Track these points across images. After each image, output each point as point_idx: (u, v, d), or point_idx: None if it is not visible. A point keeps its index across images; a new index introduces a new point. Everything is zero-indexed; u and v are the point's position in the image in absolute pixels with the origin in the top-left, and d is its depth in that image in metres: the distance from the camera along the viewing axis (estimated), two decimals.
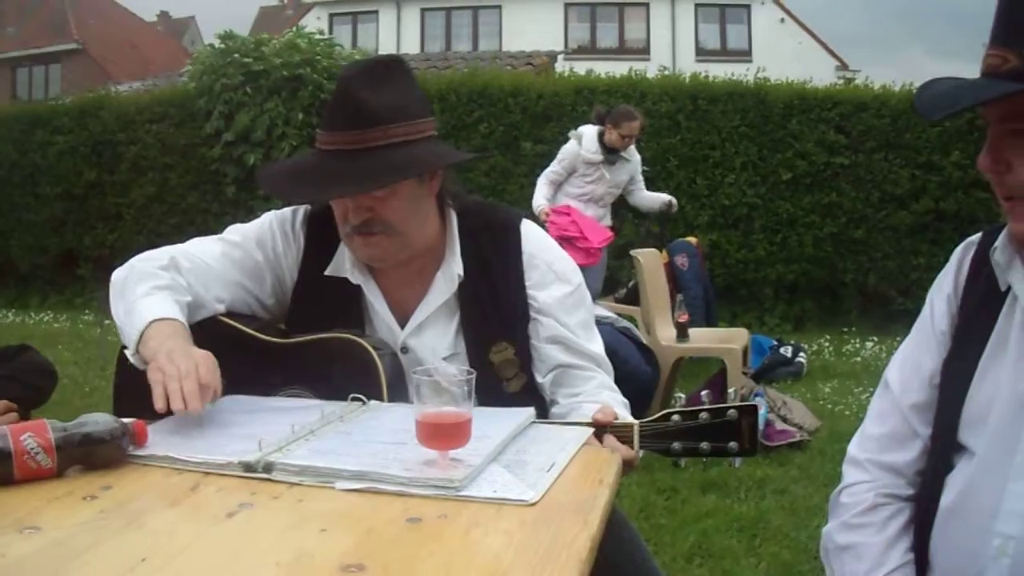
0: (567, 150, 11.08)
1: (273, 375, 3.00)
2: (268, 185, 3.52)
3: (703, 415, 2.63)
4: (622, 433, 2.66)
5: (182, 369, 2.52)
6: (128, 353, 2.83)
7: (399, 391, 2.90)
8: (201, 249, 3.16)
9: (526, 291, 3.08)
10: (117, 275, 3.06)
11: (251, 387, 2.91)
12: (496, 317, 3.07)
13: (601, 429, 2.64)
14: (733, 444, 2.61)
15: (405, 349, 3.08)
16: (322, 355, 2.97)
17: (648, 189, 11.96)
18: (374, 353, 2.89)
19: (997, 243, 2.34)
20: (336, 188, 2.89)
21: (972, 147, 13.63)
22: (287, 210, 3.27)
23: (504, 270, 3.09)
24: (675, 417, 2.65)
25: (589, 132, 10.95)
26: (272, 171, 3.81)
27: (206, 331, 3.02)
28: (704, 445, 2.63)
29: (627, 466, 2.59)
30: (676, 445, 2.64)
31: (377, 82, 2.90)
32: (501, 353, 3.03)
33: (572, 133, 11.16)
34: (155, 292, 2.90)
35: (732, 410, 2.61)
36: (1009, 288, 2.34)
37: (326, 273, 3.11)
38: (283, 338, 3.09)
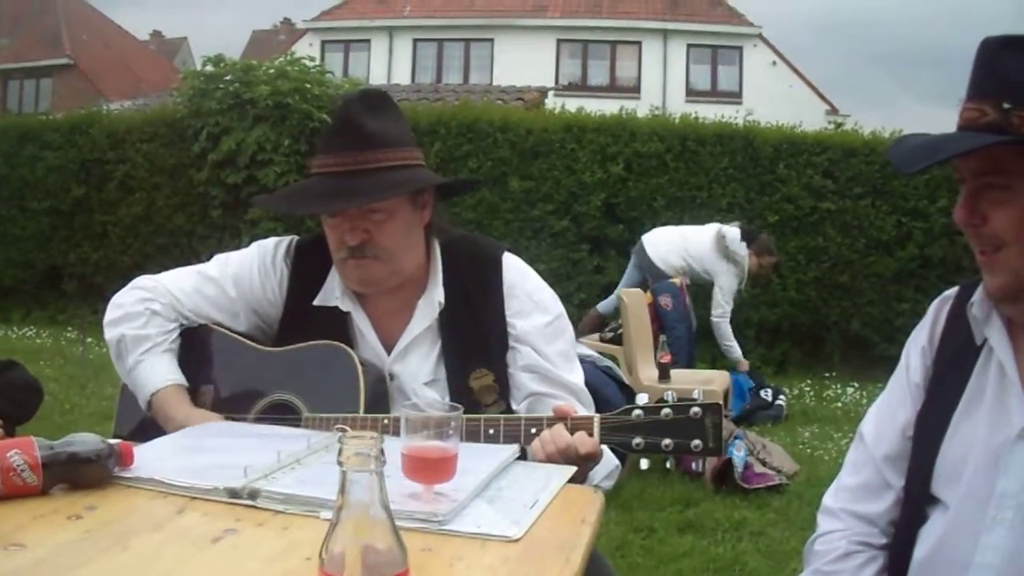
0: (734, 278, 11.41)
1: (261, 380, 3.09)
2: (268, 206, 3.68)
3: (665, 411, 2.64)
4: (583, 426, 2.70)
5: None
6: (142, 406, 3.16)
7: (381, 407, 2.99)
8: (176, 285, 3.29)
9: (506, 319, 3.12)
10: (109, 336, 3.26)
11: (240, 391, 3.10)
12: (477, 344, 3.11)
13: (573, 424, 2.70)
14: (697, 442, 2.63)
15: (392, 376, 3.12)
16: (308, 361, 3.07)
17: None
18: (356, 359, 2.99)
19: (974, 298, 2.36)
20: (339, 202, 2.96)
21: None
22: (271, 241, 3.36)
23: (485, 299, 3.14)
24: (637, 412, 2.67)
25: (745, 256, 11.32)
26: (270, 195, 3.93)
27: (199, 338, 3.21)
28: (667, 442, 2.64)
29: (589, 459, 2.65)
30: (638, 441, 2.66)
31: (374, 110, 3.01)
32: (481, 379, 3.07)
33: (731, 254, 11.40)
34: (145, 357, 3.15)
35: (696, 408, 2.63)
36: (984, 342, 2.36)
37: (315, 303, 3.17)
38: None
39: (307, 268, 3.23)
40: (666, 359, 8.78)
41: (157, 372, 3.12)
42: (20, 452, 2.06)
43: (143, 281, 3.30)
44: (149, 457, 2.31)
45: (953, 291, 2.54)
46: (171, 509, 2.07)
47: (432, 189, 3.16)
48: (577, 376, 3.15)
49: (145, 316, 3.18)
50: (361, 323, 3.17)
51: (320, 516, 1.99)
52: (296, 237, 3.35)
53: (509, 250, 3.28)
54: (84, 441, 2.16)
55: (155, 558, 1.81)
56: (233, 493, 2.11)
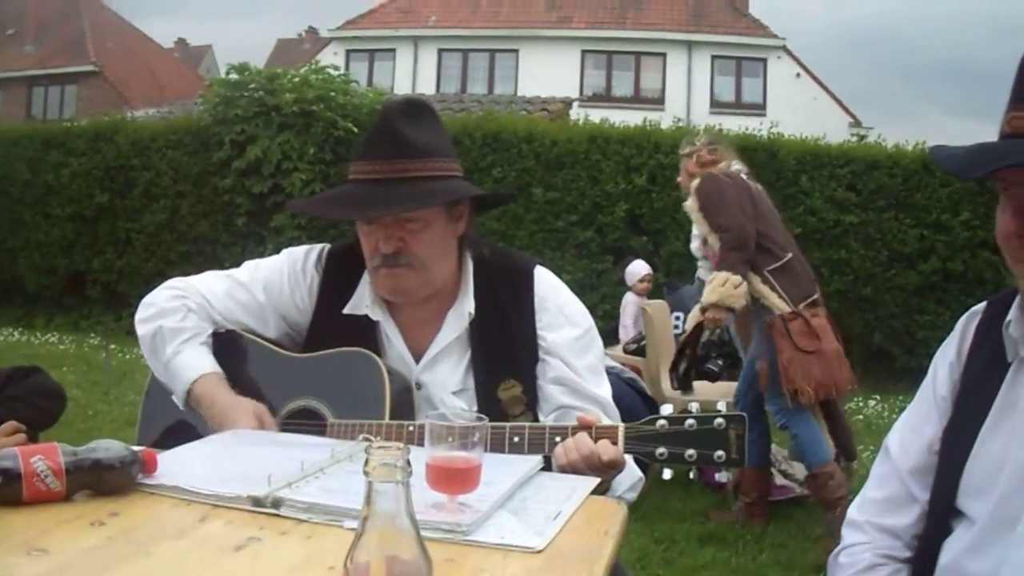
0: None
1: (288, 386, 3.11)
2: (304, 211, 3.72)
3: (689, 422, 2.66)
4: (607, 435, 2.71)
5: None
6: (176, 400, 3.14)
7: (407, 415, 2.99)
8: (207, 288, 3.31)
9: (536, 332, 3.12)
10: (143, 331, 3.26)
11: (266, 396, 3.09)
12: (506, 355, 3.11)
13: (597, 433, 2.72)
14: (720, 453, 2.64)
15: (419, 385, 3.13)
16: (335, 368, 3.09)
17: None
18: (382, 366, 3.00)
19: (1011, 316, 2.33)
20: (376, 209, 2.96)
21: (982, 208, 13.68)
22: (301, 249, 3.36)
23: (516, 311, 3.14)
24: (661, 422, 2.69)
25: None
26: (308, 200, 3.96)
27: (227, 343, 3.23)
28: (690, 453, 2.66)
29: (612, 467, 2.67)
30: (661, 451, 2.68)
31: (416, 119, 3.01)
32: (509, 391, 3.07)
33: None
34: (183, 347, 3.15)
35: (720, 419, 2.65)
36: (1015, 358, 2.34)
37: (345, 311, 3.18)
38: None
39: (338, 276, 3.24)
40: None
41: (197, 361, 3.12)
42: (44, 458, 2.06)
43: (175, 282, 3.32)
44: (172, 465, 2.31)
45: (981, 306, 2.52)
46: (194, 517, 2.07)
47: (468, 201, 3.15)
48: (605, 390, 3.14)
49: (182, 312, 3.20)
50: (390, 332, 3.17)
51: (343, 525, 1.99)
52: (328, 245, 3.36)
53: (540, 263, 3.28)
54: (108, 448, 2.16)
55: (177, 566, 1.80)
56: (256, 501, 2.10)
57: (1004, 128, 2.20)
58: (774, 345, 6.61)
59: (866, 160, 14.79)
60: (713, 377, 6.90)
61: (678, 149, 7.93)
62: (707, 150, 7.43)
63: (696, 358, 6.92)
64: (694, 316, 6.86)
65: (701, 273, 9.66)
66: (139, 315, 3.27)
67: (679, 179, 7.79)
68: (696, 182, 7.06)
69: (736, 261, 6.60)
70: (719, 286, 6.55)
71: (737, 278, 6.53)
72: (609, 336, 11.83)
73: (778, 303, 6.60)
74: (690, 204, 7.08)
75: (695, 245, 8.78)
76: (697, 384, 8.52)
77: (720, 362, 6.75)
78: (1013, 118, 2.17)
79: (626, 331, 11.87)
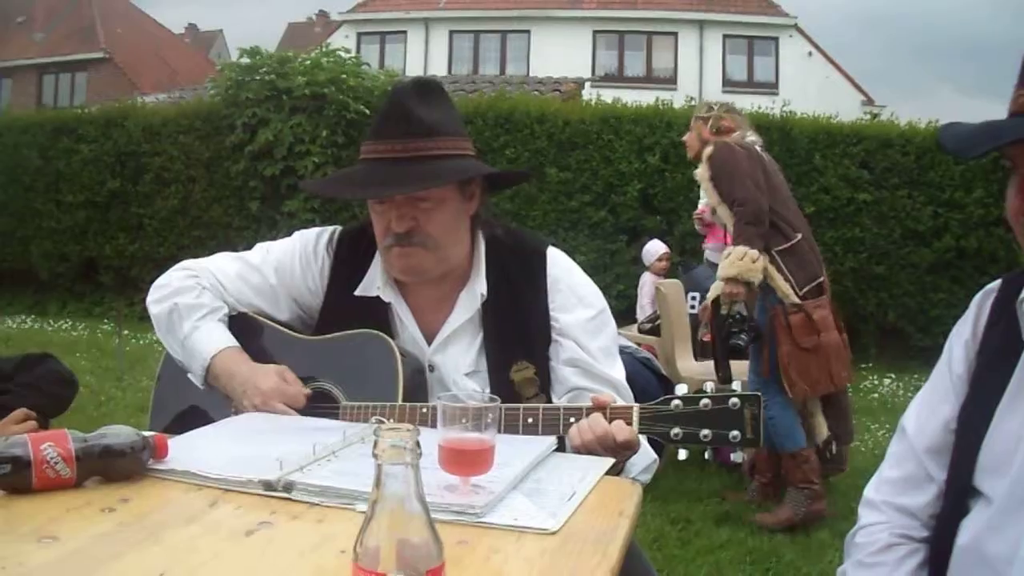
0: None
1: (300, 368, 3.08)
2: (316, 191, 3.67)
3: (704, 402, 2.64)
4: (622, 415, 2.69)
5: (266, 393, 2.94)
6: (193, 378, 3.14)
7: (419, 397, 2.98)
8: (219, 269, 3.31)
9: (549, 313, 3.10)
10: (158, 309, 3.26)
11: None
12: (519, 337, 3.10)
13: (612, 413, 2.70)
14: (735, 433, 2.62)
15: (431, 367, 3.12)
16: (347, 350, 3.08)
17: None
18: (395, 348, 2.99)
19: None
20: (390, 188, 2.94)
21: (995, 185, 13.65)
22: (313, 231, 3.35)
23: (529, 292, 3.12)
24: (676, 402, 2.67)
25: None
26: (320, 181, 3.94)
27: (240, 326, 3.22)
28: (705, 433, 2.64)
29: (626, 447, 2.64)
30: (676, 431, 2.65)
31: (427, 99, 3.00)
32: (522, 372, 3.05)
33: None
34: (201, 323, 3.15)
35: (735, 399, 2.62)
36: None
37: (356, 293, 3.17)
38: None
39: (349, 258, 3.24)
40: (708, 337, 8.67)
41: (215, 336, 3.12)
42: (54, 445, 2.05)
43: (187, 263, 3.33)
44: (183, 449, 2.31)
45: (996, 284, 2.50)
46: (205, 502, 2.06)
47: (480, 180, 3.14)
48: (618, 372, 3.13)
49: (197, 289, 3.20)
50: (402, 313, 3.17)
51: (356, 508, 1.98)
52: (339, 227, 3.36)
53: (553, 244, 3.26)
54: (118, 434, 2.16)
55: (188, 551, 1.79)
56: (268, 485, 2.10)
57: (1012, 106, 2.17)
58: (775, 337, 6.64)
59: (879, 138, 14.74)
60: (740, 353, 6.88)
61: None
62: (729, 118, 7.36)
63: (721, 337, 6.91)
64: (716, 289, 6.82)
65: (709, 255, 9.65)
66: (152, 296, 3.26)
67: (686, 137, 7.75)
68: (709, 149, 7.02)
69: (752, 236, 6.61)
70: (737, 260, 6.55)
71: (755, 252, 6.53)
72: (624, 316, 11.81)
73: (783, 287, 6.63)
74: (700, 172, 7.07)
75: (704, 212, 8.76)
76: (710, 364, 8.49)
77: (744, 337, 6.72)
78: (1020, 96, 2.15)
79: (643, 311, 11.83)
